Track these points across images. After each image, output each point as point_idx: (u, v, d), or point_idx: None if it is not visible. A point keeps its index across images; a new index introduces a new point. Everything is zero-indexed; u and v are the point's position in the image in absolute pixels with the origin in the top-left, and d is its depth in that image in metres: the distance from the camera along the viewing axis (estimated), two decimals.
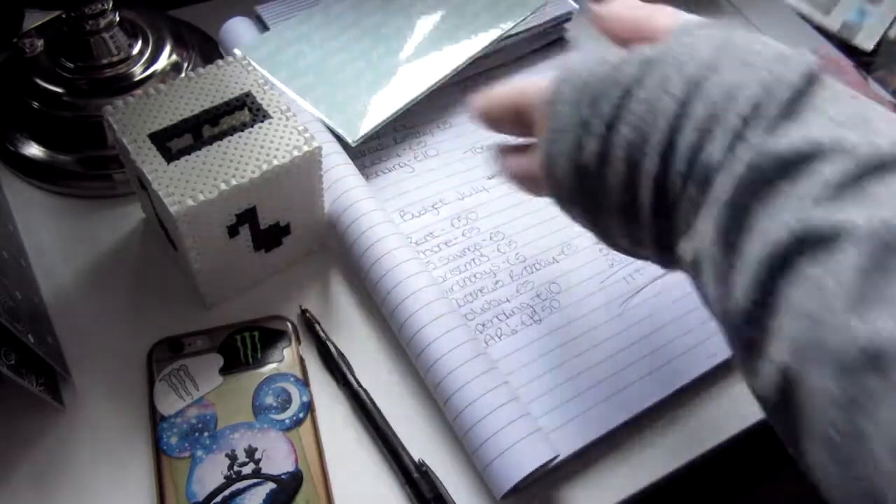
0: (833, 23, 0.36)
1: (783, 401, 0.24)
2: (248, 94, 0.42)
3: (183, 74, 0.52)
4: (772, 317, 0.24)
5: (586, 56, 0.30)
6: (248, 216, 0.41)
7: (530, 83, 0.33)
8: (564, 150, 0.29)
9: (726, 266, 0.25)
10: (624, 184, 0.28)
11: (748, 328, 0.25)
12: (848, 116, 0.24)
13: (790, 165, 0.23)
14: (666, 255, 0.30)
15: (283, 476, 0.39)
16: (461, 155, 0.54)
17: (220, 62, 0.44)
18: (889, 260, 0.21)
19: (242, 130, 0.41)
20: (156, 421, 0.40)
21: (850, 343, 0.21)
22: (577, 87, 0.29)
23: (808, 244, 0.22)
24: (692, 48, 0.27)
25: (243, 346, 0.43)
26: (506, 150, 0.37)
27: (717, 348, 0.45)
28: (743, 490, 0.57)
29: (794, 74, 0.25)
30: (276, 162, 0.39)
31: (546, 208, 0.51)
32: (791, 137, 0.24)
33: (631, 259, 0.49)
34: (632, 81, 0.28)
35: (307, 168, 0.41)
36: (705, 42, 0.27)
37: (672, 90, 0.26)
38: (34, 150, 0.50)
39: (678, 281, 0.48)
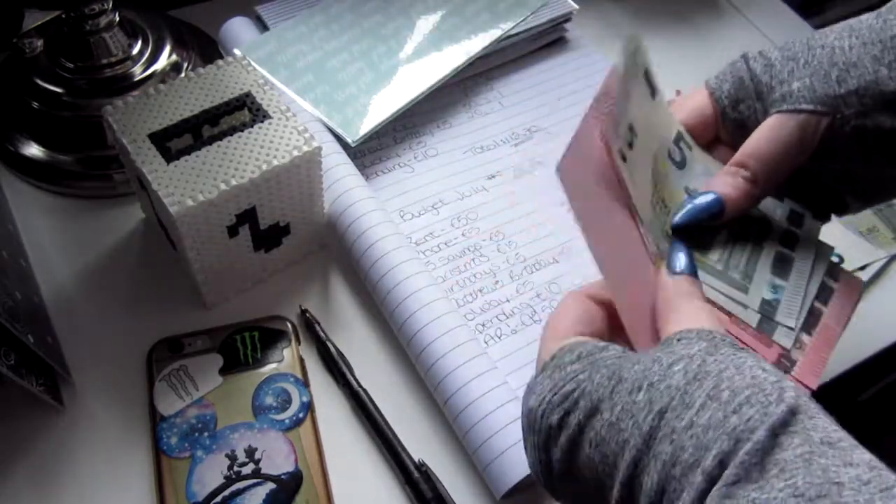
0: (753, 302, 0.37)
1: None
2: (248, 94, 0.42)
3: (183, 74, 0.52)
4: None
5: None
6: (247, 216, 0.41)
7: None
8: (531, 460, 0.31)
9: None
10: (592, 479, 0.28)
11: None
12: (815, 487, 0.23)
13: None
14: None
15: (283, 476, 0.39)
16: (461, 155, 0.54)
17: (220, 62, 0.44)
18: None
19: (242, 130, 0.41)
20: (156, 421, 0.40)
21: None
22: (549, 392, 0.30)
23: None
24: (667, 369, 0.27)
25: (243, 346, 0.43)
26: None
27: None
28: None
29: (764, 428, 0.25)
30: (275, 162, 0.39)
31: (546, 209, 0.51)
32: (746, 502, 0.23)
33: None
34: (602, 398, 0.28)
35: (307, 168, 0.41)
36: (681, 366, 0.27)
37: (639, 419, 0.27)
38: (34, 150, 0.50)
39: None
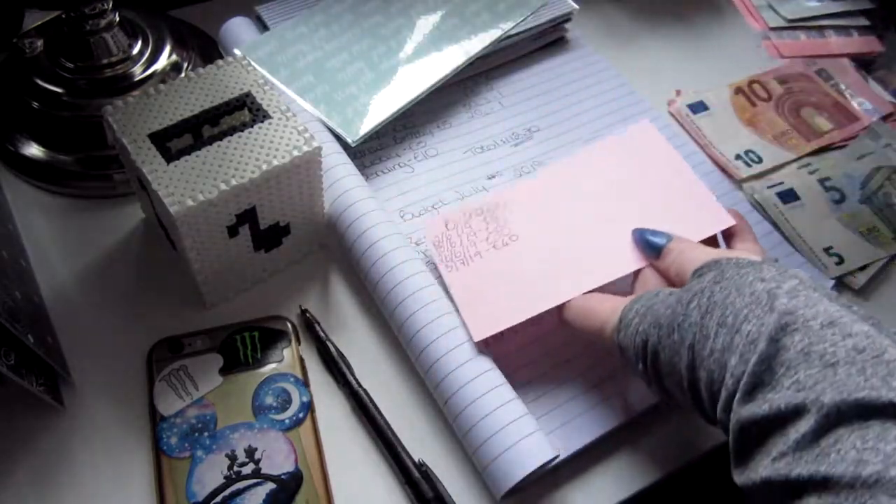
0: None
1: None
2: (247, 94, 0.42)
3: (183, 74, 0.52)
4: None
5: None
6: (247, 216, 0.41)
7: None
8: (628, 345, 0.37)
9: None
10: (680, 396, 0.35)
11: None
12: (813, 376, 0.28)
13: (764, 426, 0.29)
14: None
15: (283, 476, 0.39)
16: (461, 155, 0.54)
17: (220, 62, 0.44)
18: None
19: (242, 130, 0.41)
20: (156, 421, 0.40)
21: None
22: (633, 326, 0.37)
23: (781, 491, 0.28)
24: (686, 310, 0.34)
25: (243, 346, 0.43)
26: None
27: None
28: (741, 492, 0.57)
29: (763, 338, 0.30)
30: (275, 162, 0.39)
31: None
32: (763, 404, 0.29)
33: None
34: (656, 345, 0.35)
35: (307, 168, 0.41)
36: (695, 303, 0.34)
37: (681, 355, 0.34)
38: (34, 150, 0.50)
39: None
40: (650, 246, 0.42)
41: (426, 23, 0.57)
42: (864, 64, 0.67)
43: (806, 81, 0.64)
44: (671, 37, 0.67)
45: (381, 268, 0.44)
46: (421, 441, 0.41)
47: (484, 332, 0.41)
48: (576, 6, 0.61)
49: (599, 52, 0.63)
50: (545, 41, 0.62)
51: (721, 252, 0.39)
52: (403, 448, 0.40)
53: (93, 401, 0.41)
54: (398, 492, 0.40)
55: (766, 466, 0.29)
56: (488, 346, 0.42)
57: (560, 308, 0.42)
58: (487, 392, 0.39)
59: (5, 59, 0.52)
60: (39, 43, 0.50)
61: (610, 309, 0.39)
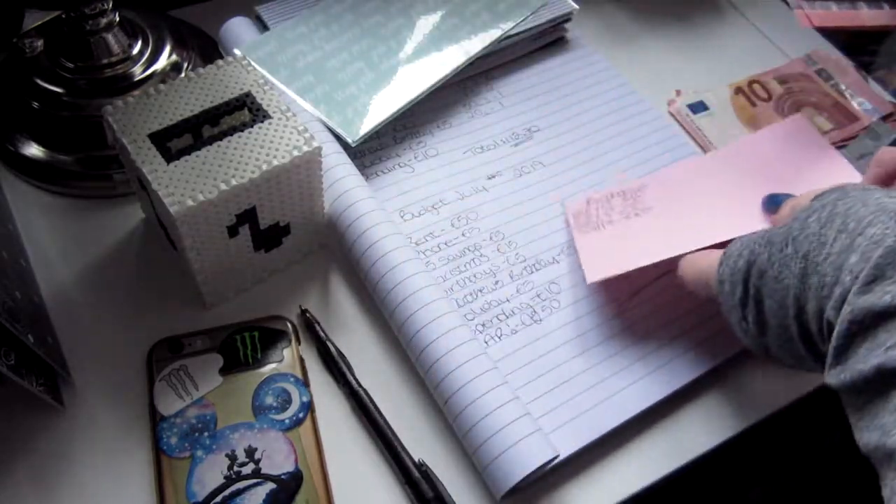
0: None
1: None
2: (247, 94, 0.42)
3: (183, 74, 0.52)
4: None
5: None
6: (247, 216, 0.41)
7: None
8: (728, 274, 0.38)
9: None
10: (780, 317, 0.35)
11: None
12: None
13: (881, 317, 0.28)
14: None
15: (283, 476, 0.39)
16: (461, 155, 0.54)
17: (220, 62, 0.44)
18: None
19: (242, 130, 0.41)
20: (156, 421, 0.40)
21: None
22: (736, 252, 0.38)
23: (892, 377, 0.28)
24: (804, 222, 0.34)
25: (243, 346, 0.43)
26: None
27: (716, 350, 0.45)
28: (742, 490, 0.58)
29: (890, 236, 0.29)
30: (275, 162, 0.39)
31: (546, 209, 0.52)
32: (883, 295, 0.28)
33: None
34: (765, 262, 0.35)
35: (307, 168, 0.41)
36: (814, 217, 0.33)
37: (792, 267, 0.33)
38: (34, 150, 0.50)
39: (678, 282, 0.48)
40: (772, 202, 0.42)
41: (426, 23, 0.57)
42: (865, 64, 0.67)
43: (806, 81, 0.64)
44: (671, 37, 0.67)
45: (381, 268, 0.44)
46: (421, 441, 0.41)
47: (597, 275, 0.45)
48: (576, 6, 0.61)
49: (599, 52, 0.63)
50: (545, 41, 0.62)
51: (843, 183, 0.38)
52: (403, 448, 0.40)
53: (93, 401, 0.41)
54: (398, 492, 0.40)
55: (878, 355, 0.28)
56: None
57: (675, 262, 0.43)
58: (487, 392, 0.39)
59: (5, 59, 0.52)
60: (39, 43, 0.50)
61: (717, 254, 0.40)
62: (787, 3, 0.68)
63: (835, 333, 0.30)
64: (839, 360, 0.30)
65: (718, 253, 0.40)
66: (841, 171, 0.48)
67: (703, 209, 0.48)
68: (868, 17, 0.68)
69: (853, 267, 0.30)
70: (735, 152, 0.52)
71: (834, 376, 0.30)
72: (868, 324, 0.29)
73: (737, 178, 0.49)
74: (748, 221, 0.44)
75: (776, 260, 0.34)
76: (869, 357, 0.28)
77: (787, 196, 0.42)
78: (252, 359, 0.42)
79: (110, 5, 0.48)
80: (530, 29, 0.59)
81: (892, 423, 0.27)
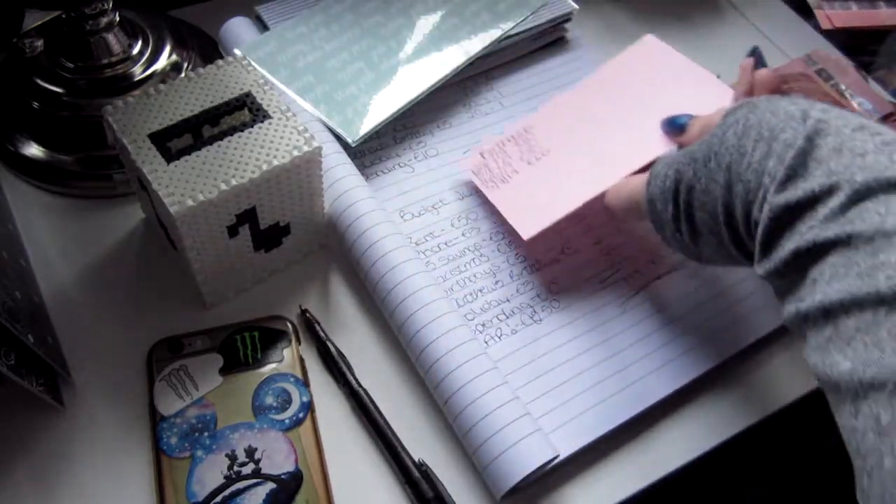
0: None
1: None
2: (248, 94, 0.42)
3: (183, 74, 0.52)
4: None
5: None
6: (247, 216, 0.41)
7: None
8: (657, 193, 0.40)
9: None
10: (711, 226, 0.37)
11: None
12: (843, 164, 0.31)
13: (796, 209, 0.32)
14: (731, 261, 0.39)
15: (283, 476, 0.39)
16: (461, 155, 0.54)
17: (220, 62, 0.44)
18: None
19: (242, 130, 0.41)
20: (156, 421, 0.40)
21: None
22: (663, 172, 0.40)
23: (806, 256, 0.31)
24: (722, 137, 0.36)
25: (243, 346, 0.43)
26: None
27: (716, 350, 0.45)
28: (742, 490, 0.58)
29: (800, 138, 0.33)
30: (275, 162, 0.39)
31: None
32: (796, 191, 0.32)
33: (631, 259, 0.49)
34: (691, 178, 0.37)
35: (307, 168, 0.41)
36: (731, 131, 0.36)
37: (717, 179, 0.36)
38: (34, 150, 0.50)
39: (678, 282, 0.48)
40: (675, 125, 0.45)
41: (426, 23, 0.57)
42: (865, 64, 0.67)
43: (806, 81, 0.63)
44: (671, 37, 0.66)
45: (381, 268, 0.44)
46: (421, 441, 0.41)
47: (531, 230, 0.46)
48: (576, 6, 0.61)
49: (599, 52, 0.63)
50: (545, 41, 0.62)
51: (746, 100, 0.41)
52: (403, 448, 0.40)
53: (93, 401, 0.41)
54: (398, 492, 0.40)
55: (794, 241, 0.31)
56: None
57: (600, 201, 0.45)
58: (487, 392, 0.39)
59: (5, 59, 0.52)
60: (39, 43, 0.50)
61: (639, 178, 0.42)
62: (808, 4, 0.68)
63: (758, 231, 0.33)
64: (765, 254, 0.33)
65: (641, 177, 0.42)
66: (706, 82, 0.51)
67: (599, 142, 0.50)
68: (887, 16, 0.68)
69: (771, 170, 0.33)
70: (602, 81, 0.53)
71: (761, 268, 0.34)
72: (786, 218, 0.32)
73: (615, 107, 0.51)
74: (650, 146, 0.47)
75: (702, 175, 0.36)
76: (786, 244, 0.32)
77: (688, 117, 0.45)
78: (252, 359, 0.42)
79: (110, 5, 0.48)
80: (530, 29, 0.59)
81: (806, 293, 0.31)
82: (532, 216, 0.47)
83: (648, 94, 0.51)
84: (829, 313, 0.29)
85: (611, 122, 0.51)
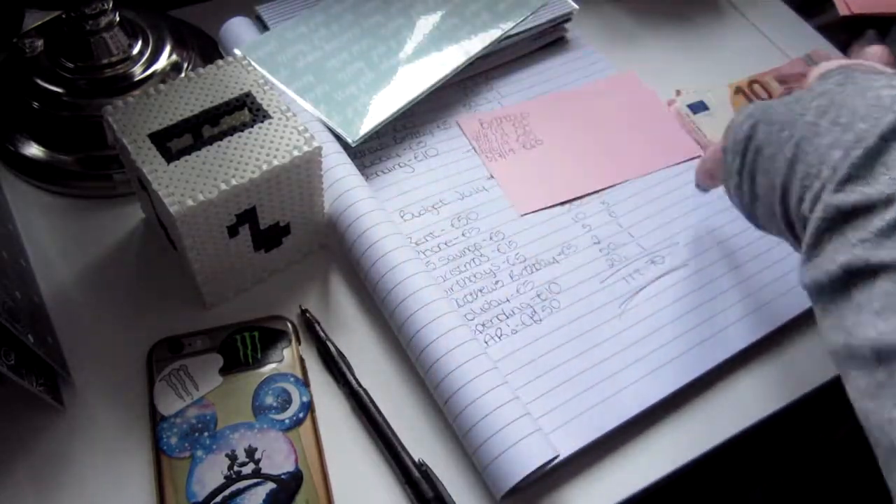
0: None
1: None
2: (247, 94, 0.42)
3: (183, 74, 0.52)
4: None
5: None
6: (247, 216, 0.41)
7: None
8: (731, 144, 0.38)
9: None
10: (769, 194, 0.36)
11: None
12: None
13: (849, 214, 0.29)
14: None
15: (283, 476, 0.39)
16: (461, 155, 0.54)
17: (220, 62, 0.44)
18: None
19: (242, 130, 0.41)
20: (156, 421, 0.40)
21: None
22: (740, 122, 0.38)
23: (850, 278, 0.29)
24: (805, 107, 0.34)
25: (243, 346, 0.43)
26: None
27: (716, 350, 0.45)
28: (741, 491, 0.58)
29: (874, 135, 0.30)
30: (275, 162, 0.39)
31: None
32: (854, 194, 0.29)
33: (631, 259, 0.49)
34: (762, 140, 0.36)
35: (307, 168, 0.41)
36: (815, 104, 0.33)
37: (785, 151, 0.34)
38: (34, 150, 0.50)
39: (678, 282, 0.48)
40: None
41: (426, 23, 0.57)
42: None
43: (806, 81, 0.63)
44: (671, 36, 0.67)
45: (381, 268, 0.44)
46: (421, 441, 0.41)
47: (528, 207, 0.51)
48: (576, 6, 0.61)
49: (599, 51, 0.63)
50: (545, 41, 0.62)
51: (851, 61, 0.38)
52: (403, 448, 0.40)
53: (93, 401, 0.41)
54: (398, 492, 0.40)
55: (844, 252, 0.29)
56: None
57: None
58: (488, 392, 0.39)
59: (5, 59, 0.52)
60: (39, 43, 0.50)
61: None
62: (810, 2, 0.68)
63: (807, 230, 0.31)
64: (810, 257, 0.31)
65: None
66: (670, 125, 0.58)
67: (593, 151, 0.55)
68: None
69: (836, 163, 0.30)
70: (582, 95, 0.59)
71: (807, 275, 0.32)
72: (838, 220, 0.30)
73: (600, 123, 0.57)
74: (638, 164, 0.54)
75: (773, 141, 0.35)
76: (836, 254, 0.29)
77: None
78: (252, 359, 0.42)
79: (110, 5, 0.48)
80: (530, 29, 0.59)
81: (852, 323, 0.28)
82: (529, 194, 0.52)
83: (619, 120, 0.57)
84: (883, 357, 0.26)
85: (599, 136, 0.56)
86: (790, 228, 0.35)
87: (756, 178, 0.36)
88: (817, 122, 0.32)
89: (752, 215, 0.39)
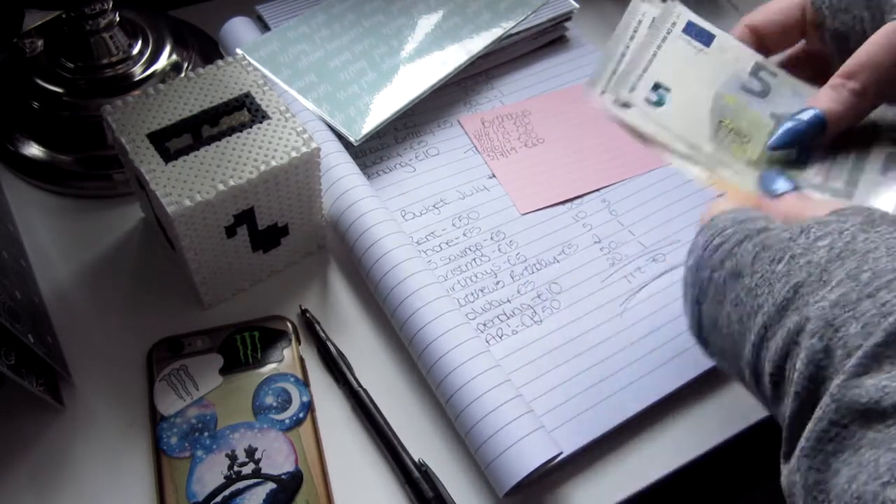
0: None
1: None
2: (247, 95, 0.42)
3: (183, 74, 0.52)
4: None
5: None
6: (245, 217, 0.41)
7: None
8: (700, 242, 0.32)
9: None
10: (735, 330, 0.30)
11: None
12: None
13: (864, 420, 0.23)
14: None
15: (283, 476, 0.39)
16: (462, 154, 0.54)
17: (219, 62, 0.44)
18: None
19: (241, 131, 0.40)
20: (156, 421, 0.40)
21: None
22: (721, 228, 0.32)
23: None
24: (810, 245, 0.27)
25: (243, 346, 0.43)
26: None
27: None
28: (742, 490, 0.57)
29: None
30: (274, 163, 0.39)
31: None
32: (868, 390, 0.23)
33: (631, 259, 0.49)
34: (746, 265, 0.29)
35: (305, 169, 0.41)
36: (828, 240, 0.27)
37: (774, 288, 0.27)
38: (34, 150, 0.50)
39: (679, 280, 0.48)
40: (769, 181, 0.35)
41: (427, 22, 0.57)
42: None
43: None
44: None
45: (382, 266, 0.44)
46: (421, 440, 0.41)
47: (529, 206, 0.51)
48: (576, 5, 0.61)
49: (600, 50, 0.63)
50: (546, 40, 0.62)
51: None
52: (403, 448, 0.40)
53: (93, 401, 0.41)
54: (398, 492, 0.40)
55: (866, 483, 0.22)
56: None
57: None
58: (489, 390, 0.39)
59: (5, 59, 0.52)
60: (39, 43, 0.50)
61: (717, 204, 0.34)
62: None
63: (810, 426, 0.24)
64: (809, 458, 0.24)
65: (717, 204, 0.34)
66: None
67: (594, 149, 0.55)
68: None
69: (849, 340, 0.24)
70: (564, 98, 0.58)
71: (791, 474, 0.25)
72: (855, 426, 0.23)
73: (601, 120, 0.54)
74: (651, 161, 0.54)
75: (759, 270, 0.28)
76: (853, 482, 0.22)
77: (789, 185, 0.35)
78: (252, 359, 0.42)
79: (110, 5, 0.48)
80: (531, 28, 0.59)
81: None
82: (531, 193, 0.52)
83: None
84: None
85: (590, 133, 0.56)
86: (755, 377, 0.29)
87: (724, 304, 0.30)
88: (827, 269, 0.26)
89: (701, 337, 0.33)
